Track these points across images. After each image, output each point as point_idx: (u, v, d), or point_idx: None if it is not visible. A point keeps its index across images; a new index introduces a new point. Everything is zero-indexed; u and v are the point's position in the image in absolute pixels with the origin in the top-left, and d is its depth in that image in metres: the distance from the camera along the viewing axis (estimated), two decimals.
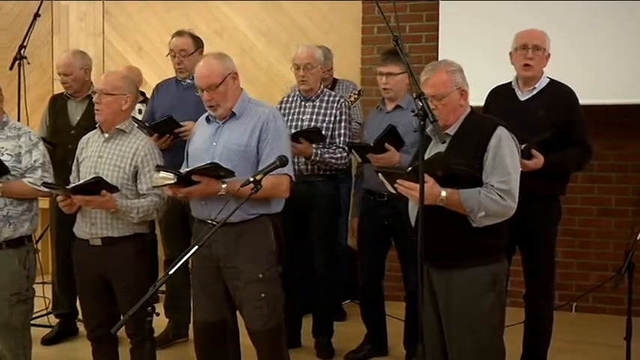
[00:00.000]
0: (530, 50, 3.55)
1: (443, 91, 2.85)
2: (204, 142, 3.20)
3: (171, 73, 4.37)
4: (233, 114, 3.18)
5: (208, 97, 3.13)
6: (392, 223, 3.86)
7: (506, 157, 2.78)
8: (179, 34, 4.28)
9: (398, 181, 2.77)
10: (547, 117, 3.50)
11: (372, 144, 3.73)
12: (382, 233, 3.96)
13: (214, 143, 3.16)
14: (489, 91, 3.76)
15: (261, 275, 3.10)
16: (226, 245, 3.10)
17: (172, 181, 3.01)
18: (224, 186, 3.03)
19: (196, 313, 3.29)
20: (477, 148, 2.79)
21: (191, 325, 4.38)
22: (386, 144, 3.66)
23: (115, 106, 3.27)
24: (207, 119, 3.27)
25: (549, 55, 3.61)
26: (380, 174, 2.92)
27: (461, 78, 2.90)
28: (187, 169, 3.04)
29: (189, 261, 2.57)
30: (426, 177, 2.69)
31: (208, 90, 3.12)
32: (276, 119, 3.19)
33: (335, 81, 4.97)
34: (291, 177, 3.18)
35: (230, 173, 3.01)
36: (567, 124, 3.53)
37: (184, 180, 3.01)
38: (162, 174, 3.03)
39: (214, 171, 3.00)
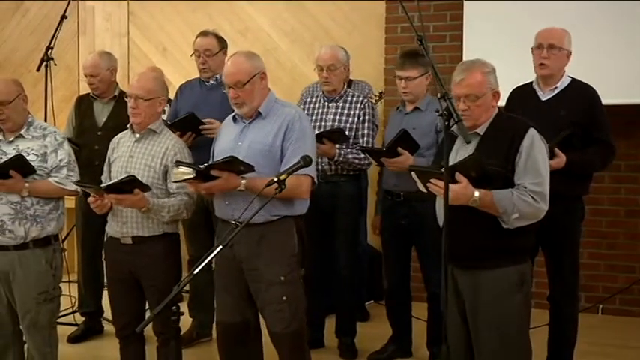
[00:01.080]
0: (544, 50, 3.52)
1: (477, 91, 2.83)
2: (230, 142, 3.21)
3: (196, 74, 4.39)
4: (259, 114, 3.18)
5: (234, 95, 3.14)
6: (409, 224, 3.87)
7: (538, 159, 2.77)
8: (203, 34, 4.29)
9: (431, 180, 2.75)
10: (568, 116, 3.47)
11: (384, 148, 3.74)
12: (402, 233, 3.95)
13: (240, 143, 3.16)
14: (511, 90, 3.74)
15: (282, 278, 3.08)
16: (249, 246, 3.10)
17: (191, 176, 3.02)
18: (243, 182, 3.02)
19: (219, 313, 3.29)
20: (509, 149, 2.77)
21: (215, 325, 4.44)
22: (399, 148, 3.66)
23: (152, 110, 3.31)
24: (234, 119, 3.28)
25: (570, 53, 3.56)
26: (412, 173, 2.89)
27: (494, 79, 2.88)
28: (206, 164, 3.04)
29: (213, 260, 2.58)
30: (460, 177, 2.69)
31: (235, 87, 3.12)
32: (301, 119, 3.18)
33: (350, 82, 4.96)
34: (313, 178, 3.16)
35: (250, 168, 3.00)
36: (589, 124, 3.49)
37: (204, 175, 3.02)
38: (182, 169, 3.04)
39: (233, 166, 3.00)
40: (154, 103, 3.32)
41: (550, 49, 3.52)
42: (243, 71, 3.12)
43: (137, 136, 3.35)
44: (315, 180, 3.20)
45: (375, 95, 4.73)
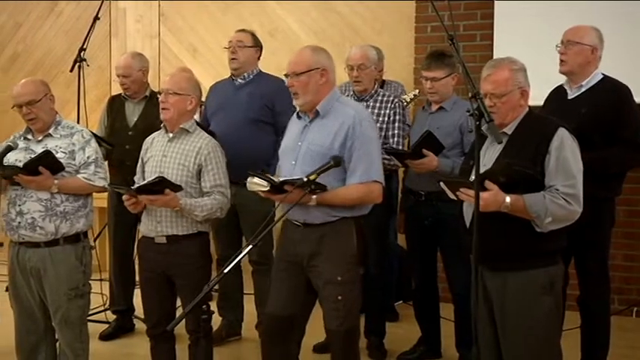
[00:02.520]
0: (563, 45, 3.48)
1: (503, 89, 2.80)
2: (291, 141, 3.21)
3: (226, 74, 4.42)
4: (318, 113, 3.14)
5: (290, 84, 3.14)
6: (431, 224, 3.84)
7: (569, 159, 2.72)
8: (241, 30, 4.38)
9: (461, 189, 2.73)
10: (588, 114, 3.38)
11: (409, 150, 3.73)
12: (426, 233, 3.93)
13: (299, 143, 3.14)
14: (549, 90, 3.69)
15: (339, 278, 3.06)
16: (310, 245, 3.09)
17: (265, 189, 3.04)
18: (314, 197, 3.00)
19: (269, 304, 3.27)
20: (537, 150, 2.73)
21: (244, 324, 4.47)
22: (423, 150, 3.64)
23: (181, 106, 3.34)
24: (298, 115, 3.26)
25: (594, 49, 3.47)
26: (441, 183, 2.88)
27: (523, 77, 2.84)
28: (281, 180, 3.02)
29: (242, 260, 2.59)
30: (490, 184, 2.66)
31: (291, 76, 3.12)
32: (362, 122, 3.07)
33: (383, 82, 4.95)
34: (381, 183, 3.11)
35: (323, 188, 2.98)
36: (612, 122, 3.40)
37: (277, 188, 3.02)
38: (257, 180, 3.06)
39: (306, 184, 2.96)
40: (184, 100, 3.34)
41: (567, 45, 3.48)
42: (302, 62, 3.12)
43: (170, 135, 3.38)
44: (383, 183, 3.15)
45: (410, 98, 4.69)
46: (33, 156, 3.31)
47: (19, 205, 3.30)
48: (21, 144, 3.41)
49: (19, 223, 3.30)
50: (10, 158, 3.34)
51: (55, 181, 3.28)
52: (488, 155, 2.86)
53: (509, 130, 2.84)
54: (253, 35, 4.35)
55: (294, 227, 3.12)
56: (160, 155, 3.36)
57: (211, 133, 3.53)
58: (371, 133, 3.12)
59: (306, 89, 3.10)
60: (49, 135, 3.40)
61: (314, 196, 3.00)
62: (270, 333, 3.26)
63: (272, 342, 3.26)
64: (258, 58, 4.37)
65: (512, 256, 2.76)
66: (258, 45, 4.35)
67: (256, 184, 3.07)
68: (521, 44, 4.71)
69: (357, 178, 3.02)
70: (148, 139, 3.51)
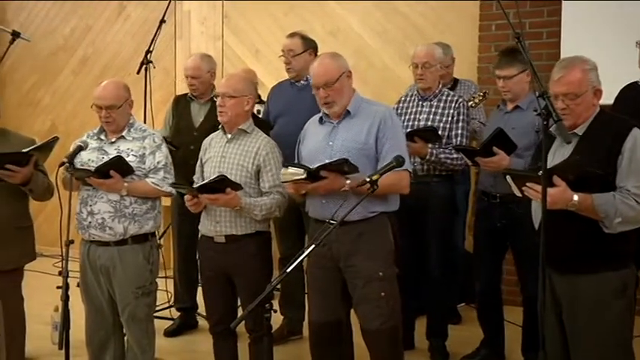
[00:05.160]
0: None
1: (577, 90, 2.73)
2: (319, 143, 3.24)
3: (287, 75, 4.45)
4: (348, 113, 3.21)
5: (324, 95, 3.17)
6: (506, 226, 3.77)
7: None
8: (290, 35, 4.38)
9: (528, 184, 2.67)
10: None
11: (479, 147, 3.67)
12: (497, 235, 3.86)
13: (330, 143, 3.18)
14: (619, 89, 3.57)
15: (381, 274, 3.10)
16: (347, 244, 3.12)
17: (302, 177, 3.06)
18: (348, 182, 3.05)
19: (312, 312, 3.31)
20: (610, 150, 2.66)
21: (305, 323, 4.48)
22: (494, 147, 3.56)
23: (238, 108, 3.38)
24: (320, 120, 3.30)
25: None
26: (507, 177, 2.83)
27: (595, 76, 2.77)
28: (317, 165, 3.06)
29: (304, 259, 2.60)
30: (558, 181, 2.61)
31: (325, 87, 3.16)
32: (392, 117, 3.23)
33: (456, 81, 4.89)
34: (410, 172, 3.19)
35: (354, 169, 3.03)
36: None
37: (312, 176, 3.06)
38: (292, 169, 3.09)
39: (340, 166, 3.03)
40: (241, 102, 3.38)
41: None
42: (332, 71, 3.17)
43: (229, 136, 3.42)
44: (412, 173, 3.22)
45: (479, 95, 4.63)
46: (105, 157, 3.39)
47: (90, 205, 3.39)
48: (94, 143, 3.49)
49: (90, 222, 3.39)
50: (84, 158, 3.42)
51: (125, 184, 3.34)
52: (558, 156, 2.79)
53: (580, 130, 2.77)
54: (303, 38, 4.33)
55: (324, 227, 3.07)
56: (219, 156, 3.41)
57: (265, 125, 3.50)
58: (399, 127, 3.29)
59: (342, 95, 3.19)
60: (122, 137, 3.46)
61: (348, 181, 3.03)
62: (320, 341, 3.28)
63: (323, 348, 3.28)
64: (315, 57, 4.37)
65: (581, 258, 2.70)
66: (310, 46, 4.33)
67: (291, 173, 3.09)
68: (588, 42, 4.58)
69: None
70: (207, 140, 3.56)
